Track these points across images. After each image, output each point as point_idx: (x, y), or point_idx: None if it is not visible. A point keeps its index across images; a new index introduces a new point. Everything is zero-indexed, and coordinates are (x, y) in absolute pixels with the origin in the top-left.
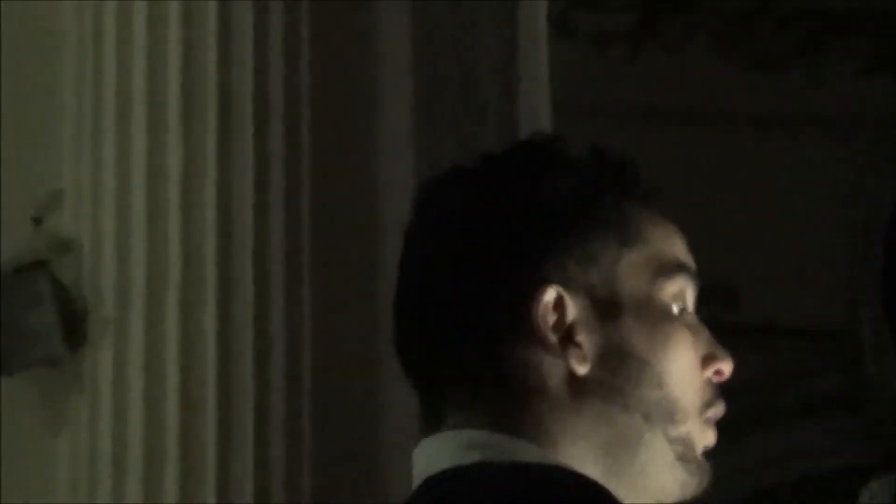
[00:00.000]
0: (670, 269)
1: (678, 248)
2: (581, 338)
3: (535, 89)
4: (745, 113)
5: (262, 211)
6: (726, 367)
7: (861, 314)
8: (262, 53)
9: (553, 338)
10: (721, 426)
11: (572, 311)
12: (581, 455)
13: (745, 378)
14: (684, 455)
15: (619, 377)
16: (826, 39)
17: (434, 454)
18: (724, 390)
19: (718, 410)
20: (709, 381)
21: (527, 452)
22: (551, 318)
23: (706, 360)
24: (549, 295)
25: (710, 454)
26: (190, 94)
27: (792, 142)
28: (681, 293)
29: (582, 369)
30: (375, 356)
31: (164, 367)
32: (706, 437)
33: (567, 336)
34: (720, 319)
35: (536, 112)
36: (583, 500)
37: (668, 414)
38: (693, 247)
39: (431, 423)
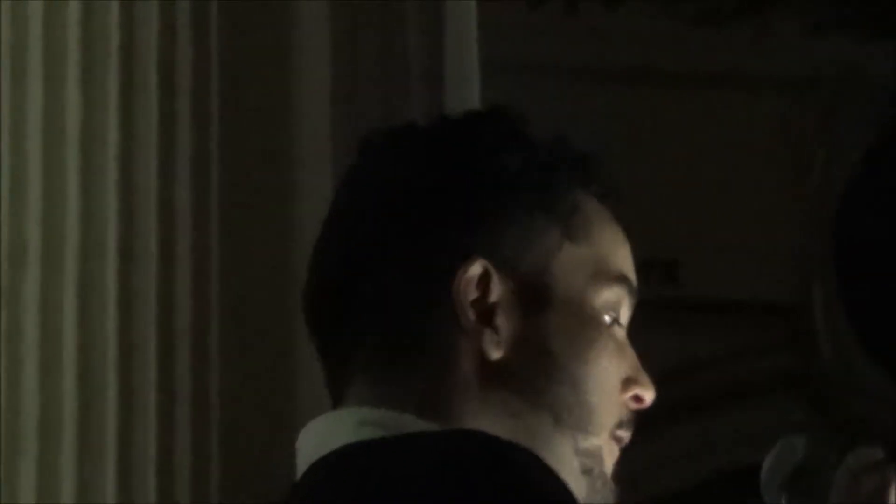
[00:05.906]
0: (609, 276)
1: (622, 257)
2: (500, 321)
3: (463, 46)
4: (688, 71)
5: (167, 172)
6: (647, 395)
7: (813, 289)
8: (169, 13)
9: (471, 314)
10: (663, 409)
11: (497, 291)
12: None
13: (687, 356)
14: (591, 469)
15: (532, 371)
16: None
17: (323, 435)
18: (667, 369)
19: (627, 434)
20: (626, 404)
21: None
22: (472, 294)
23: (628, 383)
24: (475, 269)
25: (655, 438)
26: (90, 47)
27: (738, 103)
28: (616, 304)
29: (495, 354)
30: (286, 316)
31: (60, 336)
32: (613, 455)
33: (485, 317)
34: (659, 295)
35: (464, 70)
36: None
37: (580, 421)
38: (629, 215)
39: (334, 397)
